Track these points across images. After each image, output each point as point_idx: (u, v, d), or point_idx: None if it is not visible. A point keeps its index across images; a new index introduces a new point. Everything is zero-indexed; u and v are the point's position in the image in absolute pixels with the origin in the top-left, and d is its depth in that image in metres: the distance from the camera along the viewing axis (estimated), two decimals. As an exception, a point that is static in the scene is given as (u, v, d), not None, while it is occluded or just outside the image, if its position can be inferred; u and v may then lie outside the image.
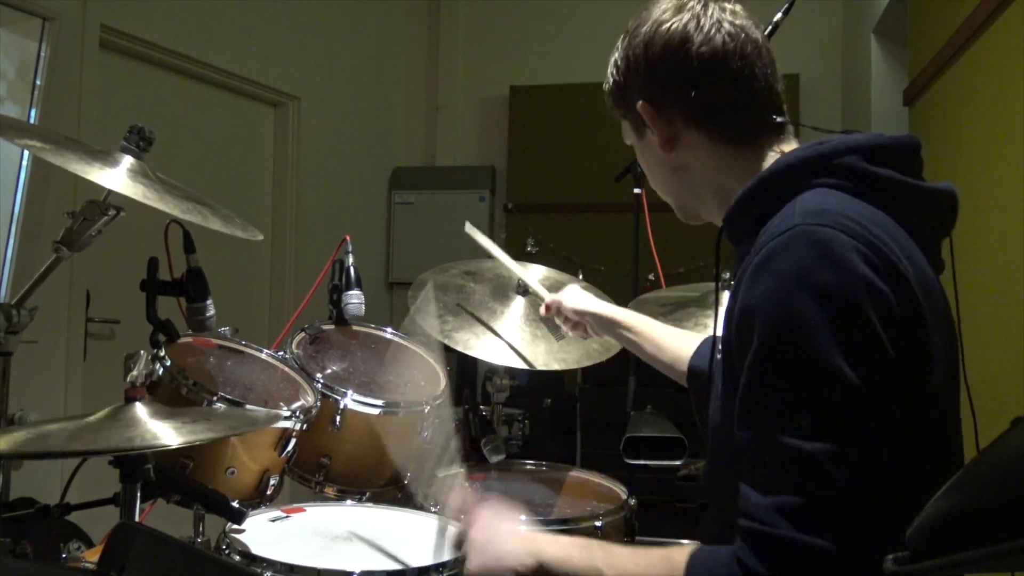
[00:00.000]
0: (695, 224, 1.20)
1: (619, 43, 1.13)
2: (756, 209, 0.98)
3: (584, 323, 1.70)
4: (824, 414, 0.83)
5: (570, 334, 1.77)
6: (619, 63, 1.12)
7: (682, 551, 0.91)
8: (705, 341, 1.48)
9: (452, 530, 1.16)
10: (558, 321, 1.76)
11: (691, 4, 1.07)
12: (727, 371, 0.98)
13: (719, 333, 1.06)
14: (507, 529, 1.08)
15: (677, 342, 1.53)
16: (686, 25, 1.05)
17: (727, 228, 1.04)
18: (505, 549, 1.03)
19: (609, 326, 1.64)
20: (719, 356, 1.03)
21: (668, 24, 1.06)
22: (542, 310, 1.78)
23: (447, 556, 1.30)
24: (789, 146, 1.06)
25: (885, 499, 0.83)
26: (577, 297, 1.71)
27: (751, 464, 0.88)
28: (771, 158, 1.04)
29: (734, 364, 0.94)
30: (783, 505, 0.83)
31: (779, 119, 1.07)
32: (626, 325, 1.61)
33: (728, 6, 1.07)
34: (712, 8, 1.06)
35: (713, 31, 1.04)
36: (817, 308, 0.84)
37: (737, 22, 1.06)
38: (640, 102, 1.09)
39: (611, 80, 1.14)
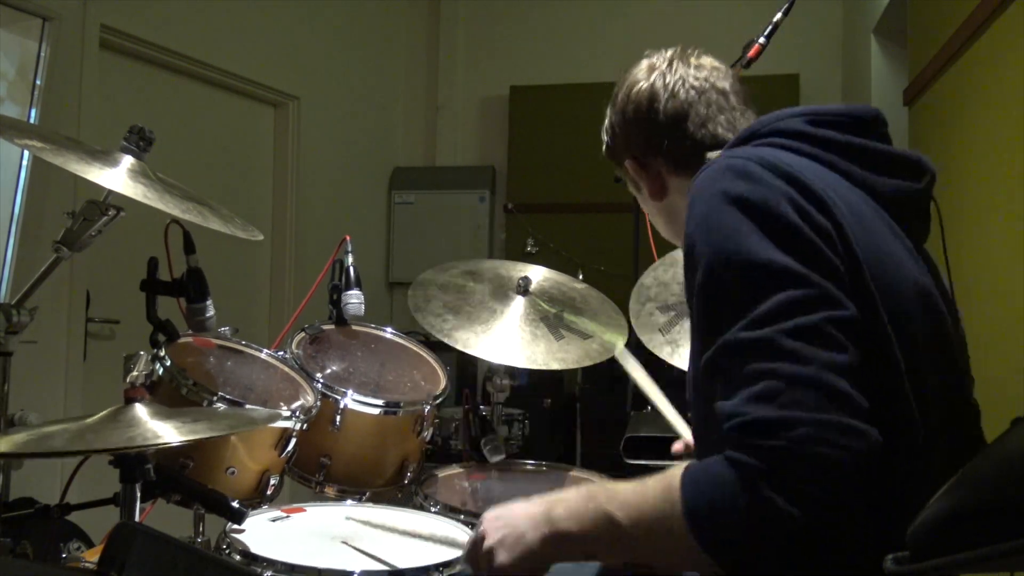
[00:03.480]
0: None
1: (607, 109, 1.25)
2: None
3: None
4: (771, 301, 0.83)
5: None
6: (607, 128, 1.25)
7: (678, 468, 0.89)
8: None
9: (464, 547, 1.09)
10: None
11: (659, 64, 1.18)
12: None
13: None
14: (515, 512, 1.02)
15: None
16: (653, 84, 1.17)
17: None
18: (521, 528, 0.98)
19: None
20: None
21: (638, 86, 1.18)
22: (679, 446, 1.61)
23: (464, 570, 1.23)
24: None
25: (856, 369, 0.82)
26: None
27: (719, 383, 0.86)
28: None
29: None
30: (753, 394, 0.81)
31: None
32: None
33: (694, 61, 1.18)
34: (677, 65, 1.17)
35: (677, 87, 1.15)
36: (742, 216, 0.88)
37: (700, 75, 1.16)
38: (628, 160, 1.21)
39: (604, 143, 1.27)
